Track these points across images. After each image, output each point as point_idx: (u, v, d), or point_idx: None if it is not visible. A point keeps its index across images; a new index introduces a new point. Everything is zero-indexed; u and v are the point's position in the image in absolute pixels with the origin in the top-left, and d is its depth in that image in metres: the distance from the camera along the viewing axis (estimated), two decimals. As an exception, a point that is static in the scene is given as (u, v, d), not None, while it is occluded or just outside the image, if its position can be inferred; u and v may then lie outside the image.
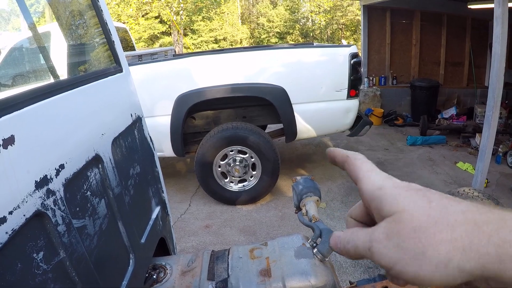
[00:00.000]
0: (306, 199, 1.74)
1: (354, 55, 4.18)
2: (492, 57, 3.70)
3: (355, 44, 5.01)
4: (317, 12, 24.35)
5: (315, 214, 1.65)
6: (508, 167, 5.33)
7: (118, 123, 1.42)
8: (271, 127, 5.37)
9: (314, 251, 1.51)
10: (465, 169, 5.26)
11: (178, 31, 20.49)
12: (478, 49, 8.21)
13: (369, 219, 0.45)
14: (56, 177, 0.93)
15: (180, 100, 4.05)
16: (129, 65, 3.97)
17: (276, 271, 1.45)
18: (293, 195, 1.85)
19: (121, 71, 1.58)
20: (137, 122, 1.64)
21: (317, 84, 4.24)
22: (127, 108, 1.56)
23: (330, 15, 23.25)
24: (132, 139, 1.54)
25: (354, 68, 4.18)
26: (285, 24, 25.17)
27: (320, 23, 24.74)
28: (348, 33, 23.84)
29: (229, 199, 4.32)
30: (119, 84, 1.55)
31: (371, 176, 0.44)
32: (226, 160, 4.16)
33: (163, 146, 4.22)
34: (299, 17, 25.95)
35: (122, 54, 1.64)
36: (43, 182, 0.87)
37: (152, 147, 1.80)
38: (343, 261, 3.18)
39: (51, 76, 1.75)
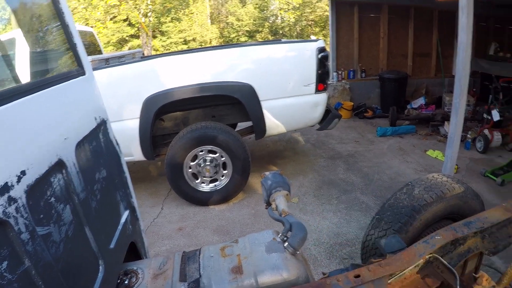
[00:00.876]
0: (275, 194, 1.77)
1: (321, 50, 4.22)
2: (458, 46, 3.82)
3: (324, 40, 5.06)
4: (286, 10, 24.50)
5: (285, 208, 1.67)
6: (477, 152, 5.53)
7: (82, 127, 1.40)
8: (241, 125, 5.38)
9: (285, 245, 1.53)
10: (435, 157, 5.42)
11: (147, 33, 20.21)
12: (445, 40, 8.50)
13: None
14: (17, 184, 0.91)
15: (148, 102, 3.99)
16: (96, 68, 3.89)
17: (248, 268, 1.47)
18: (262, 190, 1.87)
19: (83, 74, 1.56)
20: (102, 125, 1.61)
21: (285, 80, 4.26)
22: (91, 111, 1.54)
23: (299, 11, 23.42)
24: (97, 142, 1.52)
25: (322, 62, 4.22)
26: (254, 22, 25.16)
27: (289, 20, 24.90)
28: (317, 29, 24.03)
29: (201, 200, 4.29)
30: (81, 87, 1.52)
31: None
32: (197, 161, 4.12)
33: (132, 150, 4.15)
34: (268, 15, 26.01)
35: (85, 57, 1.62)
36: (3, 190, 0.85)
37: (118, 150, 1.77)
38: (318, 254, 3.22)
39: (12, 81, 1.70)
